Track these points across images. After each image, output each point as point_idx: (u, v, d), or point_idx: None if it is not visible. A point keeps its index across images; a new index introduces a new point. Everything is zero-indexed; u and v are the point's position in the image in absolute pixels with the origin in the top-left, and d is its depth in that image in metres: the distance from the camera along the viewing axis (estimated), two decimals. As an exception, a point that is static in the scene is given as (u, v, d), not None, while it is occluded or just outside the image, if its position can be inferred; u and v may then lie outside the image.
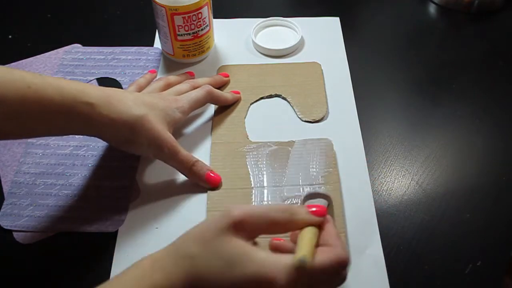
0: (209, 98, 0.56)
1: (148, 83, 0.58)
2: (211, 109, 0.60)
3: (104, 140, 0.50)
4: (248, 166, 0.53)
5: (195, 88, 0.56)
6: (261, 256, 0.34)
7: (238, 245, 0.35)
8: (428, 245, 0.48)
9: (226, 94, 0.59)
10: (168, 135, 0.49)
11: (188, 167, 0.50)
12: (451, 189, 0.53)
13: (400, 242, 0.48)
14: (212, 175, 0.51)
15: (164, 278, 0.34)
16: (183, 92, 0.55)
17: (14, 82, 0.42)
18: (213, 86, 0.58)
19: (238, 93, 0.60)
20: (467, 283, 0.46)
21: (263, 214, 0.37)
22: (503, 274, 0.46)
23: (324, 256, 0.35)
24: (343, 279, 0.37)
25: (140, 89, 0.56)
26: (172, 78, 0.59)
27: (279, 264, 0.34)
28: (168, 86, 0.57)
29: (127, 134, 0.47)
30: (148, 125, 0.47)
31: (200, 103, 0.55)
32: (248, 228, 0.36)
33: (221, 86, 0.62)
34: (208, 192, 0.51)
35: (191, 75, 0.62)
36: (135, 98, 0.49)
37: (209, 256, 0.35)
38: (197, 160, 0.51)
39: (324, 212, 0.39)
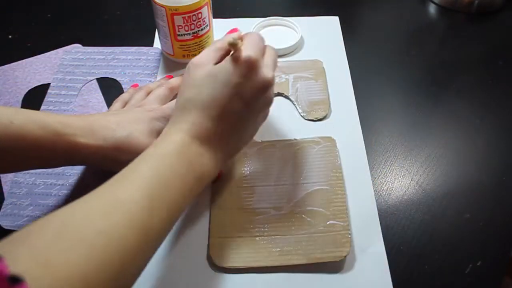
0: None
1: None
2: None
3: (93, 166, 0.50)
4: (251, 164, 0.53)
5: (170, 89, 0.56)
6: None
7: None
8: (428, 245, 0.48)
9: None
10: None
11: None
12: (451, 189, 0.53)
13: (400, 242, 0.48)
14: None
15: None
16: (162, 97, 0.55)
17: None
18: None
19: (237, 30, 0.59)
20: (467, 283, 0.46)
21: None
22: (503, 274, 0.46)
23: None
24: (268, 100, 0.45)
25: (125, 103, 0.56)
26: (152, 85, 0.58)
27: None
28: (149, 94, 0.56)
29: (116, 157, 0.47)
30: (136, 142, 0.47)
31: None
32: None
33: None
34: (212, 186, 0.51)
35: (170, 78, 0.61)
36: (118, 120, 0.48)
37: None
38: None
39: (235, 29, 0.47)
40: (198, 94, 0.42)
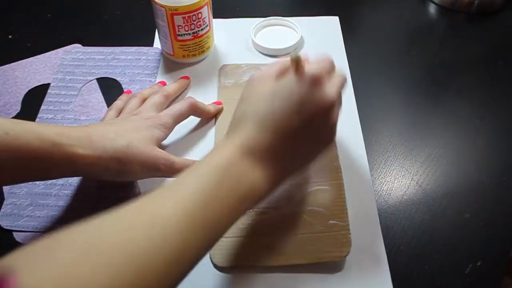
0: (192, 111, 0.55)
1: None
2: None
3: (94, 178, 0.49)
4: None
5: (166, 97, 0.56)
6: None
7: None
8: (428, 245, 0.48)
9: (209, 106, 0.58)
10: (158, 152, 0.48)
11: None
12: (451, 189, 0.53)
13: (400, 242, 0.48)
14: None
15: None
16: (158, 104, 0.54)
17: None
18: (180, 90, 0.60)
19: (220, 103, 0.59)
20: (467, 283, 0.46)
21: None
22: (503, 274, 0.46)
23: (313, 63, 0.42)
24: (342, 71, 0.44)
25: (119, 111, 0.55)
26: (146, 91, 0.58)
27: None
28: (143, 100, 0.56)
29: (117, 167, 0.46)
30: (135, 151, 0.47)
31: (184, 117, 0.55)
32: None
33: (186, 88, 0.62)
34: None
35: (163, 85, 0.61)
36: (116, 129, 0.48)
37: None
38: (194, 162, 0.51)
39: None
40: (256, 107, 0.41)
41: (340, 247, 0.46)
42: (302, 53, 0.41)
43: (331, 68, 0.43)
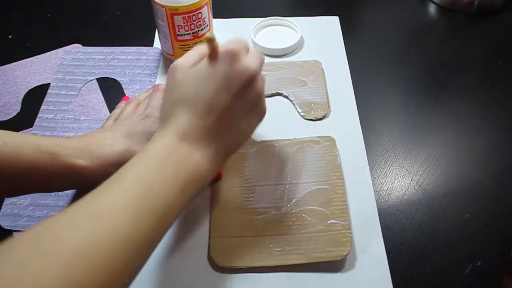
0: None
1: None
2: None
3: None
4: (251, 164, 0.53)
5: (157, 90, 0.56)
6: None
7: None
8: (428, 245, 0.48)
9: None
10: None
11: None
12: (451, 189, 0.53)
13: (400, 242, 0.48)
14: None
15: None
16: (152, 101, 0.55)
17: None
18: None
19: None
20: (467, 283, 0.46)
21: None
22: (503, 274, 0.46)
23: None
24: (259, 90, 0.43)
25: (117, 118, 0.55)
26: (141, 96, 0.58)
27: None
28: (139, 105, 0.56)
29: None
30: (134, 155, 0.47)
31: None
32: None
33: None
34: (212, 186, 0.51)
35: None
36: (113, 135, 0.48)
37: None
38: None
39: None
40: (182, 93, 0.41)
41: (341, 246, 0.46)
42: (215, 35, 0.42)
43: (245, 46, 0.43)
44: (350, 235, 0.47)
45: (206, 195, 0.51)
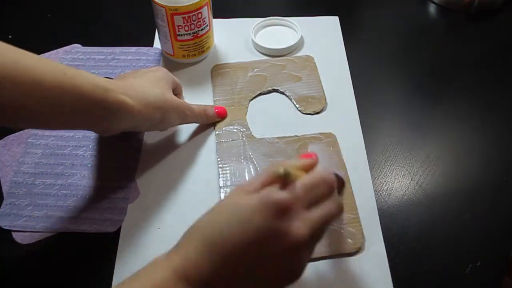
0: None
1: None
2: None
3: (135, 130, 0.51)
4: (255, 163, 0.53)
5: None
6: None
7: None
8: (428, 245, 0.48)
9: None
10: (180, 100, 0.53)
11: (204, 115, 0.56)
12: (451, 189, 0.52)
13: (400, 242, 0.48)
14: (217, 110, 0.57)
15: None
16: None
17: (52, 68, 0.41)
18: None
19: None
20: (467, 283, 0.45)
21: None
22: (503, 274, 0.46)
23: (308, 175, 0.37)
24: (339, 204, 0.37)
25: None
26: None
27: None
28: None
29: (159, 116, 0.49)
30: (169, 98, 0.50)
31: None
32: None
33: None
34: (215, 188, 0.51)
35: None
36: (143, 81, 0.50)
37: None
38: (205, 105, 0.57)
39: (310, 155, 0.43)
40: (210, 223, 0.34)
41: (353, 238, 0.46)
42: (298, 165, 0.35)
43: (320, 194, 0.36)
44: (361, 227, 0.47)
45: (204, 196, 0.51)
